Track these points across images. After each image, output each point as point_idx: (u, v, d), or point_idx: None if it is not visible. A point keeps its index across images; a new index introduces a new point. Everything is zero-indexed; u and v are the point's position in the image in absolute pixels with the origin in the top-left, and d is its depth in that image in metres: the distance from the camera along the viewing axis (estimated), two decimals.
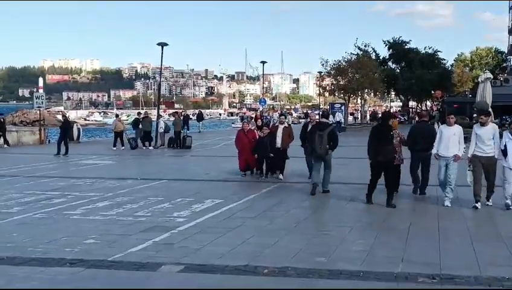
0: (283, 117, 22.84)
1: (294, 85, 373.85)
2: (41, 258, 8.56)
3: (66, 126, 29.84)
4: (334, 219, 11.87)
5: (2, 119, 34.80)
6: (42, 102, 38.48)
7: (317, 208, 13.26)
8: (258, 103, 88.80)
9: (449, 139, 13.19)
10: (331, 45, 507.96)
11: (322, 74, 62.63)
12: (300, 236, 10.06)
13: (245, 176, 18.78)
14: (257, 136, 18.87)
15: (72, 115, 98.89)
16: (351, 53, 63.85)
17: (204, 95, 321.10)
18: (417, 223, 11.19)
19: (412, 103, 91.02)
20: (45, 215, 12.10)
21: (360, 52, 65.38)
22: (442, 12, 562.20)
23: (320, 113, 22.14)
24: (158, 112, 36.11)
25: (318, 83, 67.03)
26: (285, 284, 7.37)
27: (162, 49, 33.98)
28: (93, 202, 13.86)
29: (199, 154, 29.28)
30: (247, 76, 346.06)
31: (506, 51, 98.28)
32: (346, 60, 61.23)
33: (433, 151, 13.54)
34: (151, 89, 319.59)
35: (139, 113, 38.45)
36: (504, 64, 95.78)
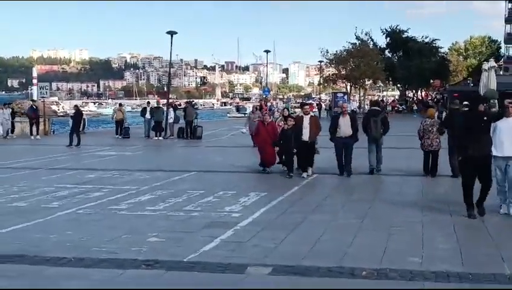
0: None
1: (284, 75, 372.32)
2: (111, 259, 7.94)
3: (78, 117, 29.07)
4: (396, 213, 11.26)
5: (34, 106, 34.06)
6: (46, 92, 37.63)
7: (369, 201, 12.60)
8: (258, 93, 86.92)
9: (508, 134, 10.66)
10: (321, 34, 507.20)
11: (323, 63, 61.98)
12: (375, 233, 9.47)
13: (265, 172, 16.93)
14: (278, 129, 17.03)
15: (66, 105, 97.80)
16: (351, 42, 63.31)
17: (194, 85, 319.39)
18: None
19: (409, 92, 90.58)
20: (91, 211, 11.47)
21: (358, 42, 64.72)
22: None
23: (370, 101, 22.69)
24: (168, 101, 35.40)
25: (319, 72, 66.23)
26: (392, 286, 6.80)
27: (172, 38, 33.35)
28: (133, 195, 13.24)
29: (212, 144, 28.71)
30: (236, 66, 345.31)
31: (500, 40, 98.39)
32: (346, 49, 60.67)
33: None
34: (141, 79, 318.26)
35: (148, 103, 37.74)
36: (500, 53, 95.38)
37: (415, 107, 68.86)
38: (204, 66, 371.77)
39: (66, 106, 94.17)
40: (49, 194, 13.52)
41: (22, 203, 12.39)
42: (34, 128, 32.86)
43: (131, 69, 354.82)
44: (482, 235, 9.42)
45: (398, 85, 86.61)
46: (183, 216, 10.93)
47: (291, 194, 13.48)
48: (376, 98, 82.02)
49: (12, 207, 11.95)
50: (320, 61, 61.84)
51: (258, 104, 42.77)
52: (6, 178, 16.30)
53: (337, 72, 59.92)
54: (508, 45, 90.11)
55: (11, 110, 34.81)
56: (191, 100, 44.14)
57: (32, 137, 32.28)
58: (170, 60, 34.61)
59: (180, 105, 49.80)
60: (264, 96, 58.05)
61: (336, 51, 60.01)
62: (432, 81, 78.65)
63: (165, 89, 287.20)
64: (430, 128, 16.07)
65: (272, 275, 7.27)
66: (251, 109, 30.91)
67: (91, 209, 11.69)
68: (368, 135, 16.62)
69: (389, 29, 78.31)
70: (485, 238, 9.18)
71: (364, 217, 10.79)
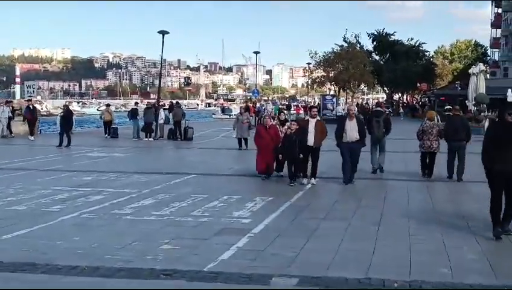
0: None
1: (268, 76, 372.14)
2: (128, 269, 7.55)
3: (69, 116, 28.39)
4: (410, 221, 10.94)
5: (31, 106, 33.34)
6: (34, 91, 37.15)
7: (379, 208, 12.26)
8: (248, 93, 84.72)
9: None
10: (305, 36, 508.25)
11: (311, 65, 61.63)
12: (395, 242, 9.16)
13: (265, 179, 15.93)
14: (280, 133, 16.06)
15: (49, 104, 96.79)
16: (339, 45, 63.09)
17: (177, 86, 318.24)
18: None
19: (396, 95, 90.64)
20: (94, 216, 11.06)
21: (346, 45, 64.50)
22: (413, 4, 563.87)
23: (375, 103, 22.67)
24: (158, 102, 34.96)
25: (307, 74, 65.86)
26: None
27: (163, 38, 32.82)
28: (135, 199, 12.83)
29: (205, 146, 28.28)
30: (220, 67, 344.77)
31: (485, 44, 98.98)
32: (335, 51, 60.49)
33: None
34: (124, 79, 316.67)
35: (136, 104, 37.33)
36: (486, 58, 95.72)
37: (401, 110, 68.90)
38: (188, 66, 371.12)
39: (50, 105, 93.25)
40: (48, 197, 13.07)
41: (21, 206, 11.95)
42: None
43: (114, 68, 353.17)
44: (505, 246, 9.12)
45: (385, 88, 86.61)
46: (192, 222, 10.56)
47: (298, 199, 13.13)
48: (360, 101, 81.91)
49: (12, 211, 11.50)
50: (309, 63, 61.51)
51: (244, 105, 42.45)
52: (0, 180, 15.82)
53: (325, 74, 59.57)
54: (494, 49, 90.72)
55: (11, 108, 34.04)
56: (176, 101, 43.40)
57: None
58: (162, 60, 34.16)
59: (164, 105, 49.25)
60: (253, 97, 57.74)
61: (325, 52, 59.81)
62: (418, 84, 78.76)
63: (148, 89, 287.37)
64: (430, 130, 16.43)
65: (300, 287, 6.93)
66: (238, 110, 30.26)
67: (94, 213, 11.28)
68: (371, 135, 16.72)
69: (375, 33, 78.45)
70: (509, 249, 8.91)
71: (378, 224, 10.49)
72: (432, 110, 20.43)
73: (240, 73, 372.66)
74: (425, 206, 12.36)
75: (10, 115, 32.86)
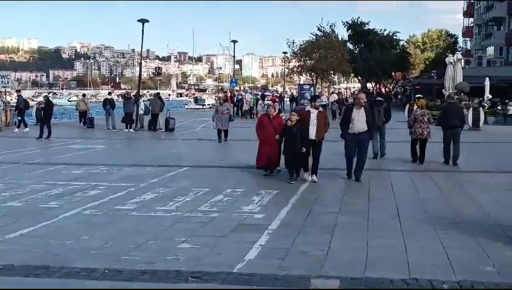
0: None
1: (237, 66, 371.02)
2: (152, 271, 6.99)
3: (49, 108, 27.49)
4: (430, 213, 10.53)
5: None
6: (8, 82, 36.03)
7: (391, 200, 11.82)
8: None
9: None
10: (274, 27, 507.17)
11: (288, 54, 61.02)
12: (424, 237, 8.70)
13: (267, 176, 14.64)
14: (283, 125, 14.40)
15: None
16: (314, 34, 62.52)
17: (146, 76, 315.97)
18: None
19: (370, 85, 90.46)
20: (97, 212, 10.45)
21: (320, 33, 63.84)
22: None
23: (376, 93, 23.04)
24: (139, 92, 34.16)
25: (284, 64, 65.21)
26: None
27: (143, 26, 32.01)
28: (134, 194, 12.23)
29: (188, 137, 27.70)
30: (190, 56, 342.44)
31: (456, 34, 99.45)
32: (311, 40, 59.98)
33: None
34: (93, 70, 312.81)
35: (109, 93, 36.57)
36: (456, 47, 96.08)
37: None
38: (157, 56, 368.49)
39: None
40: (43, 192, 12.41)
41: (17, 203, 11.29)
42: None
43: (82, 59, 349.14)
44: None
45: (359, 77, 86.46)
46: (203, 217, 10.01)
47: (304, 192, 12.58)
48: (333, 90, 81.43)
49: (8, 207, 10.86)
50: (285, 52, 60.88)
51: (223, 95, 41.64)
52: None
53: (302, 63, 59.01)
54: (466, 38, 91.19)
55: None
56: (157, 92, 42.61)
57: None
58: (141, 50, 33.16)
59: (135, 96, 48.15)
60: (230, 87, 57.00)
61: (303, 41, 59.26)
62: (393, 73, 78.73)
63: (118, 80, 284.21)
64: (421, 118, 17.06)
65: (342, 288, 6.45)
66: (218, 100, 29.02)
67: (96, 209, 10.67)
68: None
69: (350, 22, 78.15)
70: None
71: (398, 217, 10.03)
72: (422, 99, 20.76)
73: (209, 63, 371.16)
74: (435, 197, 12.01)
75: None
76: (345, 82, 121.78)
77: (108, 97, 34.18)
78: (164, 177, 14.64)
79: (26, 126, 30.99)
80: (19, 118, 31.39)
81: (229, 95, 44.30)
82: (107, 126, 31.93)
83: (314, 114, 14.02)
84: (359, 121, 13.79)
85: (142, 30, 32.04)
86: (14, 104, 34.32)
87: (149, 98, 51.95)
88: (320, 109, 14.91)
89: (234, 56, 56.32)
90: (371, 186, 13.43)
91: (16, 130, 30.31)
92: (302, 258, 7.57)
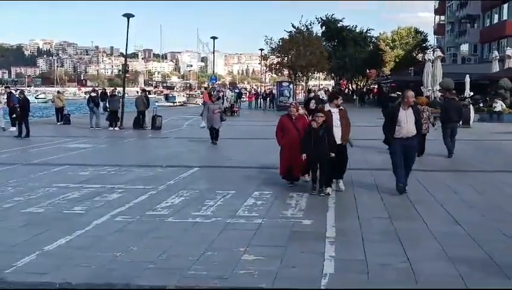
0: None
1: (203, 63, 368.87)
2: (232, 289, 6.23)
3: (26, 105, 26.23)
4: (475, 215, 9.95)
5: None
6: None
7: (430, 203, 11.22)
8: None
9: None
10: (240, 24, 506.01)
11: (264, 51, 60.44)
12: (470, 244, 8.04)
13: (293, 186, 12.67)
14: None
15: None
16: (288, 31, 61.95)
17: (110, 73, 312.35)
18: None
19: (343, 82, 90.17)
20: (130, 218, 9.60)
21: (294, 30, 63.23)
22: None
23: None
24: (124, 90, 33.09)
25: (262, 61, 64.48)
26: None
27: (128, 21, 31.11)
28: (160, 197, 11.42)
29: (178, 135, 26.86)
30: (154, 54, 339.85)
31: (426, 32, 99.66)
32: (288, 37, 59.46)
33: None
34: (56, 67, 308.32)
35: (94, 91, 35.42)
36: (426, 44, 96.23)
37: (355, 97, 68.74)
38: (121, 53, 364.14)
39: None
40: (59, 196, 11.50)
41: (36, 208, 10.40)
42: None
43: (45, 56, 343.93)
44: None
45: (333, 74, 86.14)
46: (248, 224, 9.24)
47: (337, 195, 11.81)
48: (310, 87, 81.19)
49: (29, 214, 9.96)
50: (261, 49, 60.30)
51: (215, 92, 40.11)
52: None
53: (280, 60, 58.41)
54: (438, 36, 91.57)
55: None
56: (147, 89, 41.72)
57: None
58: (126, 45, 31.91)
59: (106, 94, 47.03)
60: (210, 84, 56.04)
61: (280, 39, 58.67)
62: (368, 71, 78.51)
63: (82, 77, 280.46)
64: (421, 114, 16.83)
65: None
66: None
67: (127, 215, 9.83)
68: None
69: (324, 18, 77.68)
70: None
71: (456, 222, 9.39)
72: (422, 96, 21.09)
73: (174, 60, 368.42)
74: (467, 198, 11.47)
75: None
76: (312, 79, 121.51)
77: (93, 95, 33.00)
78: (179, 178, 13.83)
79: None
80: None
81: (206, 91, 43.29)
82: (91, 124, 30.83)
83: (336, 114, 12.13)
84: (408, 123, 11.68)
85: (128, 25, 31.12)
86: None
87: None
88: (341, 107, 12.53)
89: (214, 52, 55.42)
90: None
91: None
92: (386, 272, 6.87)
